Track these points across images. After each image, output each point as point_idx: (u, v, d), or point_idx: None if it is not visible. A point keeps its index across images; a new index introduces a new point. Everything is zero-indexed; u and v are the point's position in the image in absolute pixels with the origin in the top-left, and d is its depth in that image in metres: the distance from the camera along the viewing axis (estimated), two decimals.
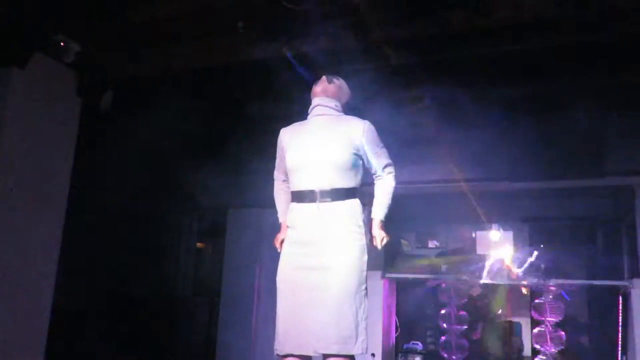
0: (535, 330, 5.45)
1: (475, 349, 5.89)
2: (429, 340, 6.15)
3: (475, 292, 5.94)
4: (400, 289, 6.07)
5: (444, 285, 5.80)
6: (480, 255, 5.95)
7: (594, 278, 5.44)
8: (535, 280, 5.37)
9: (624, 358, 5.05)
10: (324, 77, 2.35)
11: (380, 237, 2.19)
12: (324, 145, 2.15)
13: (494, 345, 5.97)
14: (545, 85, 3.85)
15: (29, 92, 3.42)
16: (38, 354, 3.43)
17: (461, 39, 3.19)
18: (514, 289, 6.00)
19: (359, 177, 2.21)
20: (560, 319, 5.34)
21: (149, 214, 5.40)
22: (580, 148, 4.48)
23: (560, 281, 5.31)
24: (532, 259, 5.50)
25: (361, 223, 2.14)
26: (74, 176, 3.73)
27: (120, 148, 4.40)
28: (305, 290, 2.06)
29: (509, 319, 6.26)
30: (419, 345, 6.06)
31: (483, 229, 6.16)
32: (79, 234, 3.92)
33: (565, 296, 5.30)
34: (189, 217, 6.31)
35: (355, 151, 2.17)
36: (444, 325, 5.77)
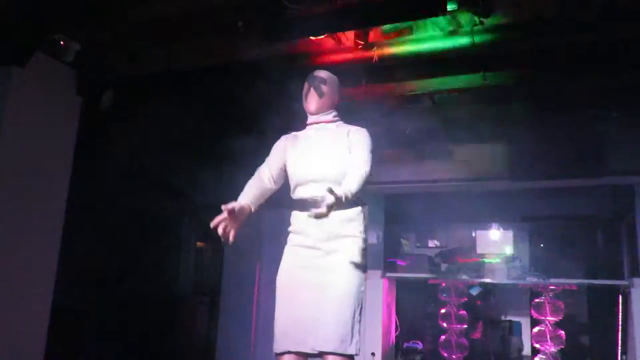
0: (535, 329, 5.46)
1: (475, 348, 5.90)
2: (428, 339, 6.17)
3: (475, 291, 5.95)
4: (400, 288, 6.09)
5: (443, 284, 5.81)
6: (480, 254, 5.95)
7: (593, 277, 5.44)
8: (535, 280, 5.37)
9: (624, 357, 5.05)
10: (312, 92, 2.25)
11: (327, 200, 1.82)
12: (326, 156, 2.17)
13: (493, 344, 5.97)
14: (545, 85, 3.85)
15: (29, 92, 3.41)
16: (38, 354, 3.42)
17: None
18: (514, 289, 6.00)
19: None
20: (560, 318, 5.35)
21: (148, 214, 5.40)
22: (580, 148, 4.49)
23: (560, 280, 5.31)
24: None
25: (362, 228, 2.15)
26: (73, 175, 3.73)
27: (120, 147, 4.40)
28: (305, 290, 2.09)
29: (508, 318, 6.27)
30: (419, 345, 6.07)
31: (483, 228, 6.16)
32: (79, 234, 3.92)
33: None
34: (188, 217, 6.30)
35: None
36: (444, 324, 5.78)
